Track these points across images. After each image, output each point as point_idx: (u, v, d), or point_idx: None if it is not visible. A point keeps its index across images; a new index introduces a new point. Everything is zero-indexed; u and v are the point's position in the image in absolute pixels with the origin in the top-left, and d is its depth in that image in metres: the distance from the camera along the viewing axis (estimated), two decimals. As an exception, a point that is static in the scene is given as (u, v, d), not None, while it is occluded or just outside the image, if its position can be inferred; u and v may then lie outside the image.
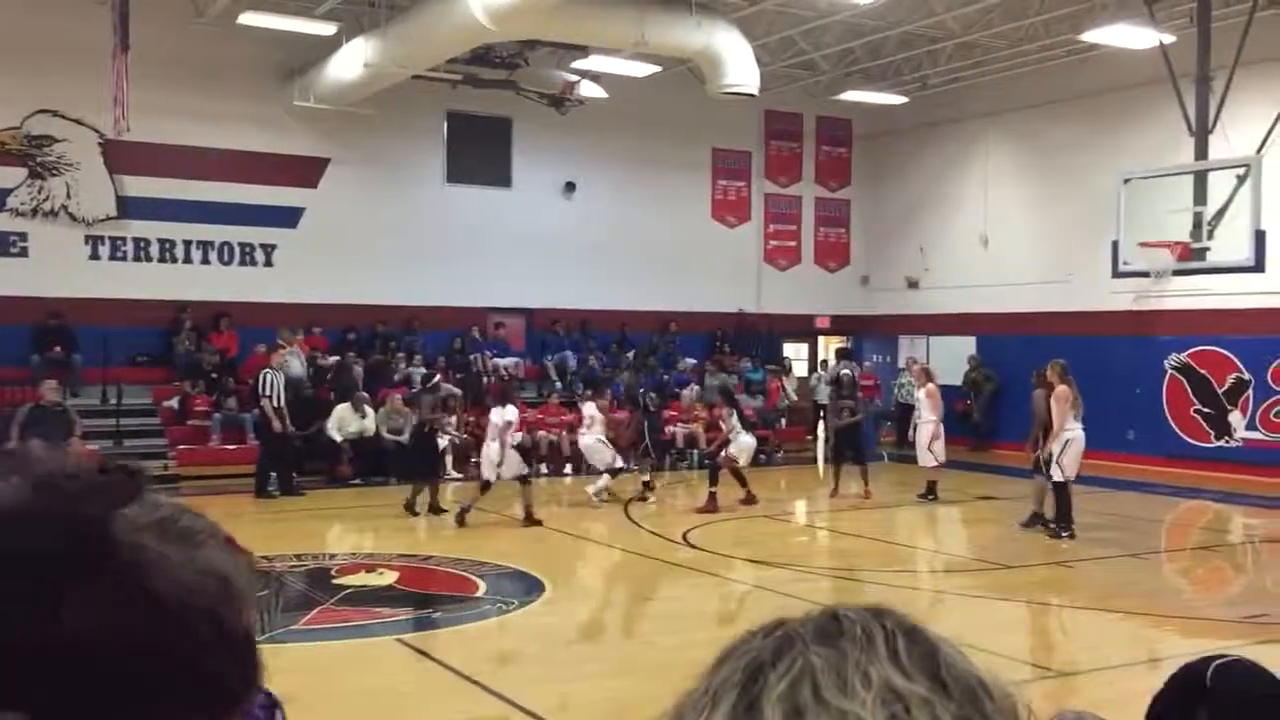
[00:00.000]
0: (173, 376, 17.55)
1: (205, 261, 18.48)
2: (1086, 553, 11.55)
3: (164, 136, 17.50)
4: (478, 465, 13.75)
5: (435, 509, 13.78)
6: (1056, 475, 12.18)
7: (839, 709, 0.58)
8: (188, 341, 17.75)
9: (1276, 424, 17.33)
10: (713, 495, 14.17)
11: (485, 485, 13.15)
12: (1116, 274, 15.97)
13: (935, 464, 15.02)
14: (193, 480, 16.02)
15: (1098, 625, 8.76)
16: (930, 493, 15.08)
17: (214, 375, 17.39)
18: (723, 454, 14.78)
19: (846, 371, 17.96)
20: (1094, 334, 19.18)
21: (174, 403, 17.20)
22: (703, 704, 0.63)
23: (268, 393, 15.20)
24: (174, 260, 18.27)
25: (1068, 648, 8.41)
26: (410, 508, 13.72)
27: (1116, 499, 15.73)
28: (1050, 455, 12.21)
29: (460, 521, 12.90)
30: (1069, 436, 12.22)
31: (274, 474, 15.35)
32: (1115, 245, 15.58)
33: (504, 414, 13.17)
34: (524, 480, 13.24)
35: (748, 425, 15.00)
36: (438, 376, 18.15)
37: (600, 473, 14.92)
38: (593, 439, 15.04)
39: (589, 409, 15.34)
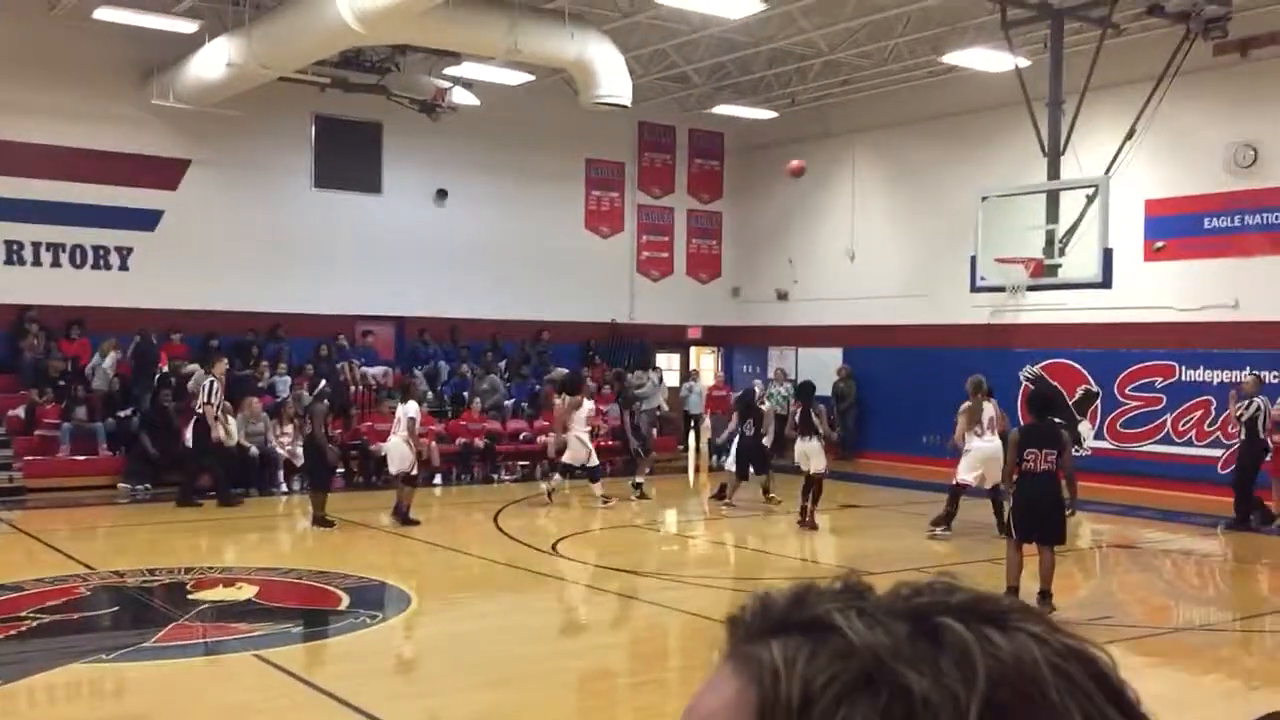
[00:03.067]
0: (19, 384, 16.74)
1: (56, 264, 17.69)
2: (945, 559, 11.89)
3: (12, 133, 16.76)
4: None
5: (321, 521, 13.46)
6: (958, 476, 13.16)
7: None
8: (35, 348, 16.97)
9: (1124, 434, 18.15)
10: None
11: (410, 479, 13.43)
12: (975, 289, 16.49)
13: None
14: (41, 493, 15.35)
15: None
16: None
17: (62, 383, 16.64)
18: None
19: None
20: (954, 346, 19.80)
21: (20, 412, 16.41)
22: None
23: (209, 400, 15.15)
24: (22, 263, 17.44)
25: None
26: (321, 521, 13.45)
27: (975, 505, 16.23)
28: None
29: (406, 521, 13.24)
30: (969, 447, 13.14)
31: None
32: (973, 260, 16.10)
33: (406, 410, 13.36)
34: (409, 479, 13.34)
35: (812, 428, 14.11)
36: (323, 382, 17.78)
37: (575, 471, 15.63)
38: (574, 436, 15.59)
39: (583, 407, 15.83)
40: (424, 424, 14.01)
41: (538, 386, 20.56)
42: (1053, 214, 14.97)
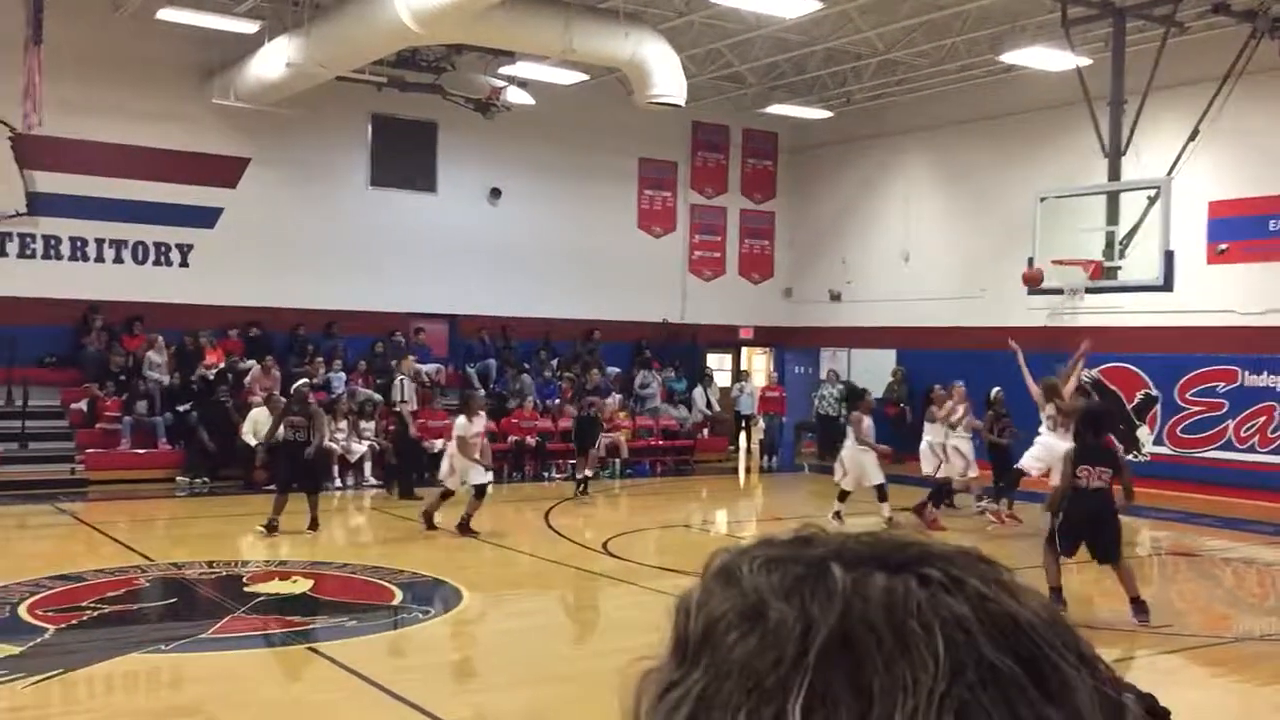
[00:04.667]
0: (81, 378, 17.07)
1: (119, 261, 18.02)
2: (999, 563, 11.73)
3: (78, 132, 17.08)
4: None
5: (313, 522, 12.72)
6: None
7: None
8: (98, 342, 17.29)
9: (1183, 440, 17.83)
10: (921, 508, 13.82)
11: (445, 494, 12.87)
12: (1032, 291, 16.30)
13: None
14: (102, 485, 15.65)
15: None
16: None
17: (123, 378, 16.93)
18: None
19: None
20: (1009, 349, 19.55)
21: (83, 405, 16.74)
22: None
23: (404, 398, 15.95)
24: (86, 259, 17.78)
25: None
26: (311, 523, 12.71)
27: (1029, 510, 16.03)
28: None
29: (465, 531, 12.59)
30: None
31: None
32: (1030, 262, 15.90)
33: (463, 426, 12.66)
34: (479, 492, 12.66)
35: (1000, 432, 14.72)
36: (304, 381, 17.12)
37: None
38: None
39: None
40: (476, 439, 12.77)
41: (587, 386, 20.60)
42: (1113, 215, 14.75)
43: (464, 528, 12.62)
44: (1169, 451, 17.90)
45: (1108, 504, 8.99)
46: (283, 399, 16.68)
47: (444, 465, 13.01)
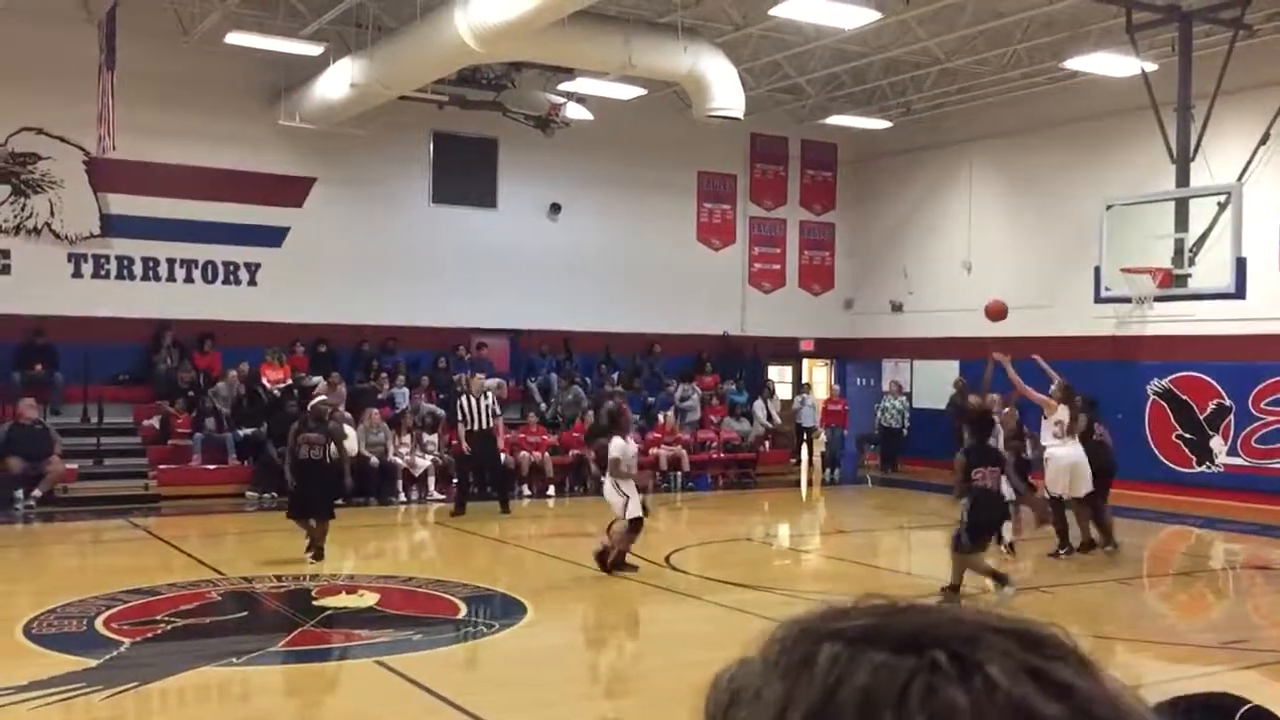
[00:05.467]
0: (153, 396, 17.45)
1: (189, 280, 18.41)
2: (1068, 578, 11.56)
3: (149, 155, 17.48)
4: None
5: (317, 552, 11.71)
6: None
7: None
8: (169, 360, 17.67)
9: (1258, 450, 17.42)
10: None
11: (634, 525, 11.25)
12: (1099, 300, 16.05)
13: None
14: (173, 500, 15.96)
15: (1080, 650, 8.74)
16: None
17: (191, 394, 17.25)
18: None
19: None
20: (1076, 359, 19.24)
21: (154, 422, 17.10)
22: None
23: (497, 412, 16.21)
24: (157, 279, 18.20)
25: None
26: (314, 551, 11.74)
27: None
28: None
29: (605, 565, 11.12)
30: (1048, 455, 12.62)
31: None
32: (1097, 271, 15.67)
33: (619, 447, 11.03)
34: (635, 525, 11.09)
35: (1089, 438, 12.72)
36: (322, 398, 14.59)
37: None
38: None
39: None
40: (633, 461, 11.15)
41: (650, 399, 20.65)
42: (1182, 222, 14.51)
43: (617, 563, 11.18)
44: (1243, 462, 17.50)
45: (1001, 499, 10.55)
46: (347, 414, 16.97)
47: (613, 495, 11.11)
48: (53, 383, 16.59)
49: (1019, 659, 0.57)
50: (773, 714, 0.59)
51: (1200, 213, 14.57)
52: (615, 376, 21.01)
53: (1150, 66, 16.20)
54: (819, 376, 24.96)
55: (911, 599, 0.65)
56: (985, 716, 0.54)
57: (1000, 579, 10.09)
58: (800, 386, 23.54)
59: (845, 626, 0.61)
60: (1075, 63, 17.46)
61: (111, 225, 17.76)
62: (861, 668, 0.57)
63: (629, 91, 18.98)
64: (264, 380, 17.79)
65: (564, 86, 18.76)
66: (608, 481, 11.18)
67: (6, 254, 17.21)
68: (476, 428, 15.82)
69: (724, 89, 15.64)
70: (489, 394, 16.23)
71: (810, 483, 21.16)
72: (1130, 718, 0.57)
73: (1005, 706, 0.54)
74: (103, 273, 17.83)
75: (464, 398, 16.16)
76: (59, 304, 17.12)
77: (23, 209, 17.31)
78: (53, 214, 17.44)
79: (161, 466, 16.53)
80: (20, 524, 13.88)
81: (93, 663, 7.67)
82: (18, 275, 17.18)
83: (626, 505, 10.96)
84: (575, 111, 19.14)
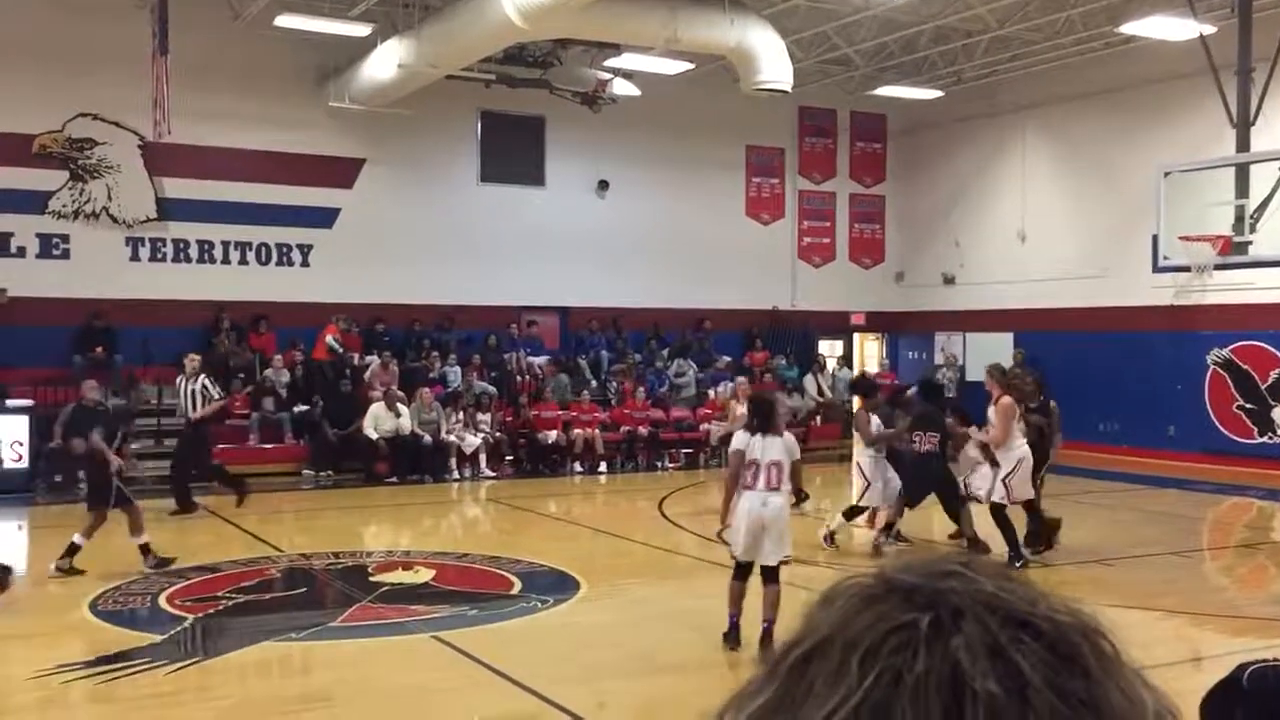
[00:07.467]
0: (212, 377, 17.66)
1: (243, 262, 18.64)
2: (1128, 550, 11.42)
3: (202, 139, 17.68)
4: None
5: (70, 551, 9.85)
6: (998, 497, 10.42)
7: None
8: (227, 342, 17.91)
9: (1321, 420, 17.07)
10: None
11: (853, 511, 11.49)
12: (1157, 269, 15.78)
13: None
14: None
15: (1141, 624, 8.65)
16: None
17: (241, 376, 17.44)
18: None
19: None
20: (1134, 330, 18.98)
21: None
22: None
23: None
24: (213, 261, 18.44)
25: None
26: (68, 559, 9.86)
27: (1158, 496, 15.56)
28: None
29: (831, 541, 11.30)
30: (1019, 455, 10.48)
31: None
32: (1155, 240, 15.40)
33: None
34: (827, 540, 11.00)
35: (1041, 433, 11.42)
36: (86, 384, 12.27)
37: None
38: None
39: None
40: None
41: (700, 375, 20.61)
42: (1242, 188, 14.20)
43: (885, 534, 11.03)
44: (1307, 433, 17.16)
45: (939, 464, 10.91)
46: (400, 394, 17.13)
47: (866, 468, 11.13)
48: (112, 365, 16.87)
49: (988, 636, 0.61)
50: (794, 638, 0.66)
51: (1262, 179, 14.24)
52: (665, 351, 20.98)
53: (1208, 29, 15.83)
54: (870, 350, 24.79)
55: (969, 559, 0.68)
56: (930, 678, 0.59)
57: (889, 536, 11.12)
58: (847, 361, 23.39)
59: (874, 579, 0.67)
60: (1131, 27, 17.10)
61: (167, 209, 18.02)
62: (867, 612, 0.64)
63: (675, 66, 18.87)
64: (333, 341, 17.92)
65: (610, 63, 18.70)
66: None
67: (66, 238, 17.52)
68: (189, 417, 13.94)
69: (771, 61, 15.51)
70: (200, 376, 14.04)
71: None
72: (1087, 712, 0.60)
73: (947, 675, 0.59)
74: (159, 256, 18.10)
75: (180, 380, 14.16)
76: (118, 287, 17.41)
77: (81, 194, 17.61)
78: (110, 198, 17.72)
79: (220, 446, 16.77)
80: (84, 503, 14.14)
81: (157, 638, 7.84)
82: (77, 259, 17.49)
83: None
84: (622, 87, 19.08)
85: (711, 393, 19.97)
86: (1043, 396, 12.00)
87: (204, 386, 14.01)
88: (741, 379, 17.44)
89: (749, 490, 7.49)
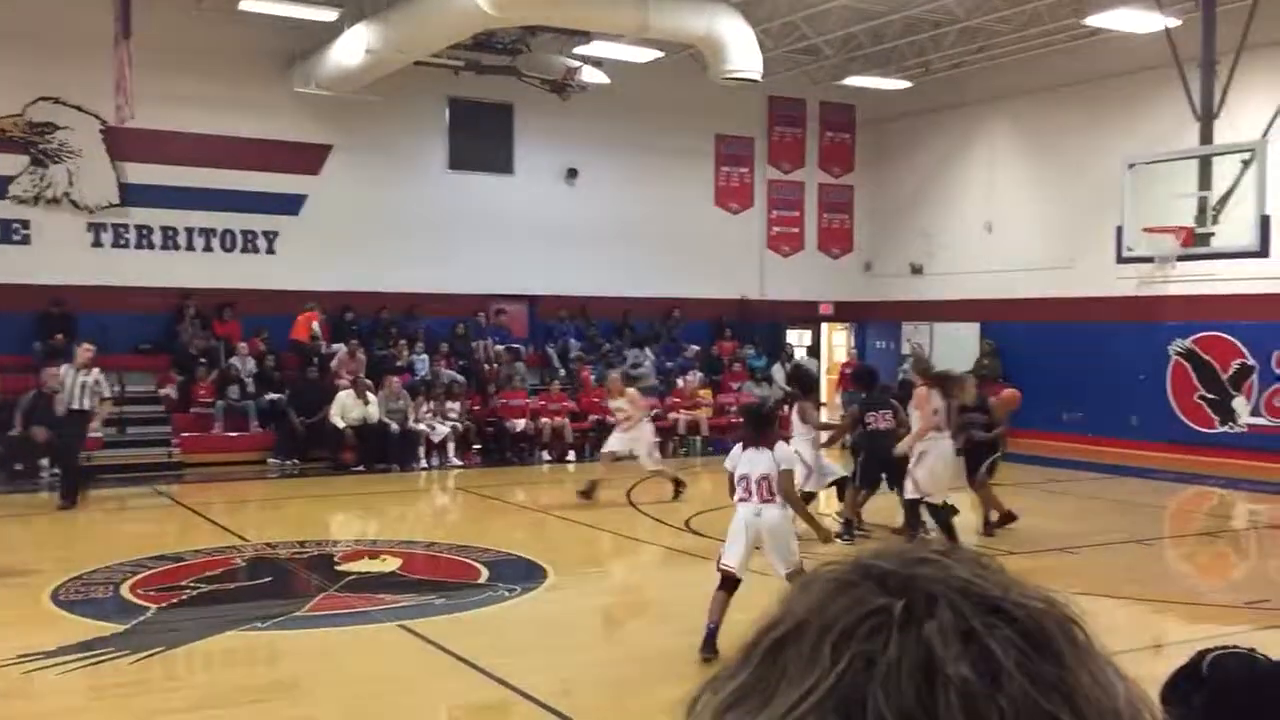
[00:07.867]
0: (176, 364, 17.53)
1: (208, 249, 18.46)
2: (1091, 538, 11.54)
3: (166, 123, 17.47)
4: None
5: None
6: (909, 491, 10.28)
7: None
8: (191, 329, 17.74)
9: (1281, 410, 17.31)
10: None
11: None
12: (1121, 259, 15.93)
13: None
14: (197, 468, 16.09)
15: (1102, 611, 8.74)
16: None
17: (203, 361, 17.25)
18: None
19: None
20: (1098, 320, 19.17)
21: (170, 390, 17.11)
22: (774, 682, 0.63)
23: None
24: (176, 248, 18.25)
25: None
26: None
27: (1121, 485, 15.74)
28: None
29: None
30: (925, 449, 10.24)
31: None
32: (1120, 231, 15.54)
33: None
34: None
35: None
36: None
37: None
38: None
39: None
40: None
41: (669, 364, 20.63)
42: (1205, 180, 14.36)
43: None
44: (1266, 422, 17.40)
45: (890, 441, 10.81)
46: (368, 382, 17.05)
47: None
48: (73, 352, 16.66)
49: (961, 621, 0.61)
50: (770, 622, 0.66)
51: (1224, 171, 14.40)
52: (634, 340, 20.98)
53: (1173, 22, 15.97)
54: (838, 340, 24.89)
55: (950, 548, 0.68)
56: (903, 663, 0.59)
57: (847, 527, 10.99)
58: (814, 350, 23.50)
59: (850, 566, 0.67)
60: (1097, 20, 17.23)
61: (130, 194, 17.80)
62: (842, 597, 0.64)
63: (645, 54, 18.83)
64: (316, 328, 17.84)
65: (580, 50, 18.63)
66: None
67: (26, 224, 17.28)
68: (71, 407, 13.53)
69: (741, 51, 15.50)
70: (94, 370, 13.86)
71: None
72: (1060, 703, 0.60)
73: (920, 660, 0.59)
74: (122, 242, 17.89)
75: (65, 369, 13.77)
76: (80, 274, 17.19)
77: (41, 179, 17.36)
78: (71, 184, 17.48)
79: (185, 434, 16.65)
80: (46, 492, 14.00)
81: (120, 628, 7.76)
82: (37, 245, 17.25)
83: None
84: (591, 75, 19.02)
85: (680, 381, 19.99)
86: (985, 392, 12.05)
87: (96, 381, 13.75)
88: (614, 373, 15.78)
89: (744, 503, 7.37)
